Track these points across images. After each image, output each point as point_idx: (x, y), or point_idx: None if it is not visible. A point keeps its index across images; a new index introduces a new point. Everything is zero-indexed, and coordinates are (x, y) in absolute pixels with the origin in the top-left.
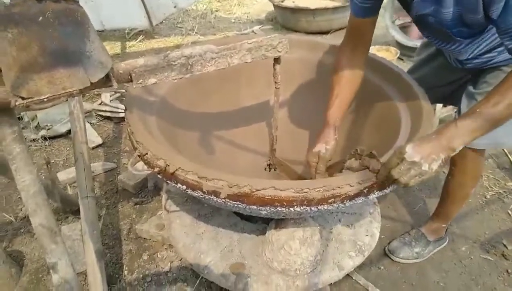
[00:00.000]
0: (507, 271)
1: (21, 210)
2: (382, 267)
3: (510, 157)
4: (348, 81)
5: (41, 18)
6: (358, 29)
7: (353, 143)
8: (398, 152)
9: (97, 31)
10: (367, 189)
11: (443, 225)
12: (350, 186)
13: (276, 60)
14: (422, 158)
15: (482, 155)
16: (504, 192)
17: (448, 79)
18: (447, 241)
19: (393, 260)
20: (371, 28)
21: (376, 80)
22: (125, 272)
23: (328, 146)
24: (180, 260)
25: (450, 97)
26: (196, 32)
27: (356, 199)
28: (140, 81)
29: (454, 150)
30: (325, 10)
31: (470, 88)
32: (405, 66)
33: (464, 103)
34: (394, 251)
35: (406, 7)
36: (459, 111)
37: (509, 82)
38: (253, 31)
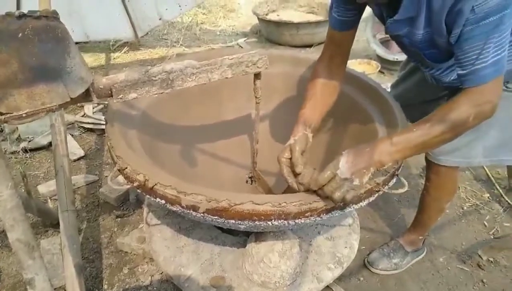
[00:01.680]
0: (482, 281)
1: None
2: (361, 278)
3: (486, 169)
4: (323, 88)
5: (20, 34)
6: (336, 41)
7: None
8: (330, 169)
9: (82, 42)
10: (342, 203)
11: (420, 237)
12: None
13: (257, 76)
14: (353, 174)
15: (456, 171)
16: (480, 203)
17: (427, 97)
18: (425, 251)
19: (372, 271)
20: (350, 41)
21: (354, 94)
22: (105, 286)
23: (295, 137)
24: (161, 273)
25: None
26: (181, 44)
27: (333, 212)
28: (121, 96)
29: (383, 165)
30: (308, 24)
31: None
32: (386, 79)
33: None
34: (373, 262)
35: (384, 25)
36: None
37: (448, 109)
38: (238, 44)
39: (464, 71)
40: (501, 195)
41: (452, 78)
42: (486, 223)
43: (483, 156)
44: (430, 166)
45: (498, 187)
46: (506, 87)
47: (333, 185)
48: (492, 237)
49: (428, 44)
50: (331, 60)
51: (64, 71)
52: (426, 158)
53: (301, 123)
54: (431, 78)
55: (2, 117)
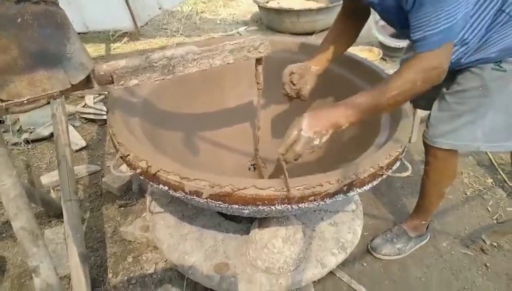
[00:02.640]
0: (485, 265)
1: (3, 215)
2: (365, 264)
3: (489, 155)
4: (340, 35)
5: (19, 19)
6: (351, 9)
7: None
8: (295, 127)
9: (81, 33)
10: (346, 187)
11: (423, 222)
12: (330, 183)
13: (258, 61)
14: (315, 133)
15: (455, 155)
16: (483, 188)
17: None
18: (429, 237)
19: (375, 257)
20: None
21: (356, 80)
22: (110, 275)
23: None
24: (165, 261)
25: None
26: (181, 34)
27: (336, 196)
28: (122, 82)
29: (340, 127)
30: (309, 11)
31: (443, 89)
32: (388, 66)
33: (435, 105)
34: (376, 248)
35: None
36: (428, 116)
37: (398, 74)
38: (238, 32)
39: (415, 37)
40: (505, 180)
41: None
42: (489, 208)
43: (484, 141)
44: (428, 149)
45: (501, 172)
46: (499, 66)
47: (298, 142)
48: (495, 221)
49: (396, 10)
50: (347, 20)
51: (64, 57)
52: (423, 141)
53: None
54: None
55: (3, 104)
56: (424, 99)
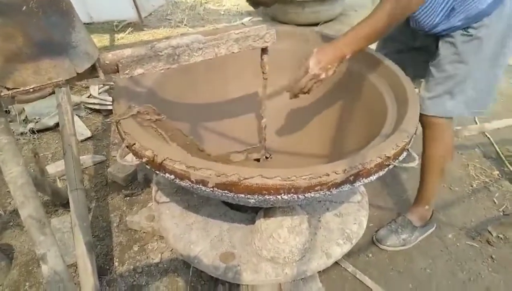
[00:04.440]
0: (491, 257)
1: (10, 204)
2: (370, 255)
3: (496, 147)
4: None
5: (24, 7)
6: None
7: (343, 132)
8: (303, 67)
9: (85, 24)
10: (353, 177)
11: (426, 207)
12: (336, 173)
13: (264, 50)
14: (321, 69)
15: (447, 125)
16: (490, 180)
17: (414, 44)
18: (434, 226)
19: (381, 248)
20: None
21: (363, 70)
22: (116, 264)
23: None
24: (171, 250)
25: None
26: (185, 24)
27: (343, 186)
28: (127, 71)
29: (344, 57)
30: (313, 1)
31: (429, 62)
32: None
33: (423, 82)
34: (382, 239)
35: None
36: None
37: (378, 5)
38: (242, 23)
39: None
40: (511, 172)
41: (430, 22)
42: (495, 200)
43: (465, 107)
44: (422, 121)
45: (508, 164)
46: (467, 32)
47: (305, 79)
48: (501, 213)
49: None
50: None
51: (69, 45)
52: (420, 118)
53: None
54: (414, 23)
55: (9, 92)
56: (412, 60)
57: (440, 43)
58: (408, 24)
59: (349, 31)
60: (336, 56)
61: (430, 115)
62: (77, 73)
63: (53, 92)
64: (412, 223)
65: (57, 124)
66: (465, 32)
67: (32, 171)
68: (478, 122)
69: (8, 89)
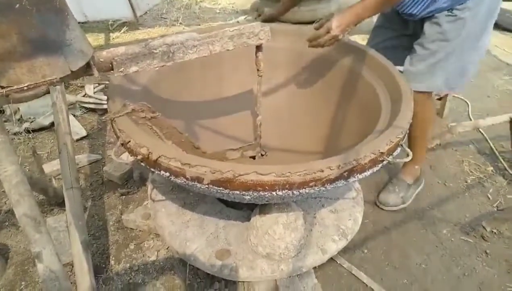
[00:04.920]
0: (485, 252)
1: (5, 203)
2: (365, 251)
3: (490, 143)
4: None
5: (18, 5)
6: None
7: (337, 129)
8: (325, 28)
9: (80, 23)
10: (347, 173)
11: (416, 166)
12: (331, 169)
13: (258, 47)
14: (341, 31)
15: (429, 98)
16: (484, 176)
17: (405, 32)
18: (423, 183)
19: (386, 210)
20: None
21: (358, 68)
22: (112, 262)
23: None
24: (167, 248)
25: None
26: (180, 23)
27: (337, 182)
28: (122, 69)
29: (354, 23)
30: (309, 0)
31: (414, 42)
32: None
33: (409, 56)
34: (384, 201)
35: None
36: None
37: None
38: (237, 22)
39: None
40: (505, 168)
41: (420, 10)
42: (489, 196)
43: (444, 83)
44: None
45: (502, 160)
46: (451, 13)
47: (325, 38)
48: (495, 209)
49: None
50: None
51: (64, 43)
52: None
53: None
54: (408, 7)
55: (3, 90)
56: (403, 48)
57: (426, 24)
58: (398, 13)
59: (359, 3)
60: (354, 20)
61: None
62: (72, 71)
63: (48, 92)
64: (405, 181)
65: (52, 124)
66: (449, 13)
67: (27, 170)
68: (472, 118)
69: (2, 87)
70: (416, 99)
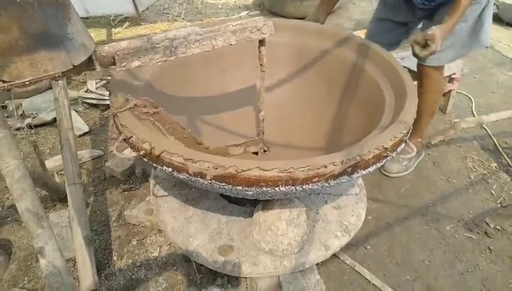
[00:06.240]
0: (489, 248)
1: (8, 199)
2: (368, 247)
3: (494, 139)
4: None
5: None
6: None
7: (340, 124)
8: (430, 40)
9: (82, 18)
10: (350, 168)
11: (419, 139)
12: (334, 165)
13: (261, 42)
14: (439, 46)
15: (440, 73)
16: (488, 173)
17: (405, 19)
18: (424, 153)
19: (390, 177)
20: None
21: (361, 62)
22: (115, 258)
23: None
24: (169, 244)
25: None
26: (182, 18)
27: (340, 178)
28: (124, 64)
29: (444, 36)
30: None
31: (426, 22)
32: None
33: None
34: (388, 168)
35: None
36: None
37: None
38: (240, 17)
39: None
40: (509, 164)
41: None
42: (493, 192)
43: (452, 57)
44: (420, 70)
45: (505, 156)
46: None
47: (425, 52)
48: (499, 205)
49: None
50: None
51: (65, 38)
52: (417, 68)
53: None
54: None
55: (5, 85)
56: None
57: (444, 8)
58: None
59: (449, 20)
60: (444, 36)
61: (427, 65)
62: (74, 66)
63: (50, 87)
64: (409, 152)
65: (54, 120)
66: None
67: (29, 165)
68: (476, 114)
69: (4, 82)
70: (428, 73)
